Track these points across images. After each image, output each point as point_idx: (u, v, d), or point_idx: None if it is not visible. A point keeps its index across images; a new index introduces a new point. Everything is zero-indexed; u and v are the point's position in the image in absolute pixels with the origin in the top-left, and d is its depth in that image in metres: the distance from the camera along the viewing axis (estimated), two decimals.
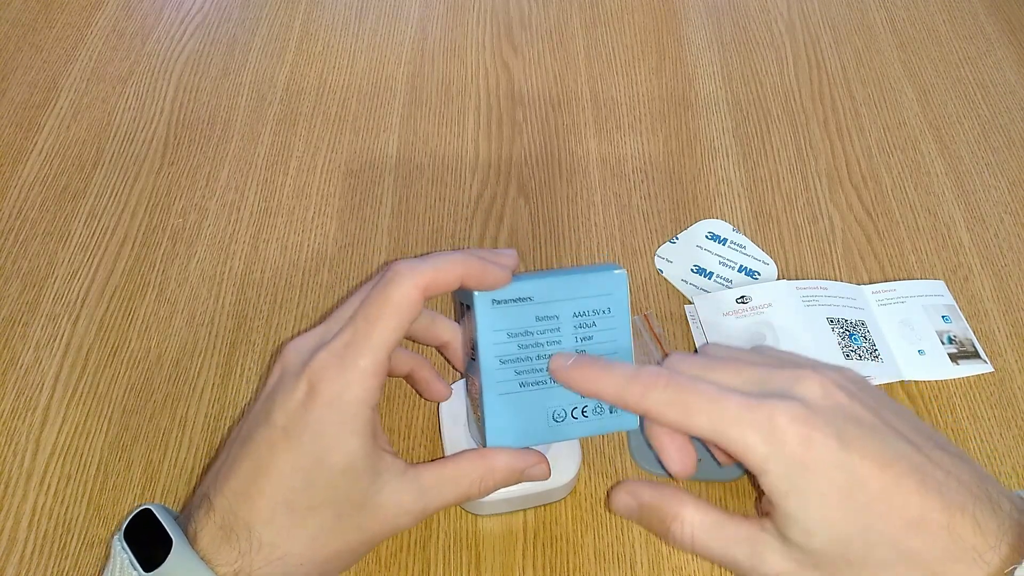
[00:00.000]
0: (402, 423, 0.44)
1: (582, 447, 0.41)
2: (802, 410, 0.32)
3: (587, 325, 0.37)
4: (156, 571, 0.31)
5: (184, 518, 0.33)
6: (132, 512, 0.33)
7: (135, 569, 0.31)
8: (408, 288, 0.33)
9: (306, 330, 0.36)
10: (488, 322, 0.36)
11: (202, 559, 0.31)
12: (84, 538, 0.40)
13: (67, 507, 0.41)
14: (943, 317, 0.48)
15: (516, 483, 0.37)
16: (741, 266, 0.51)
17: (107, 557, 0.33)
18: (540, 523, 0.41)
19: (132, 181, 0.55)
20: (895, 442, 0.33)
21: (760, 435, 0.32)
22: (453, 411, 0.41)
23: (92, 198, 0.54)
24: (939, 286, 0.50)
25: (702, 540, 0.35)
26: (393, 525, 0.35)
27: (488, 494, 0.36)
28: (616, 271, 0.37)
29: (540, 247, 0.51)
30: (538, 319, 0.37)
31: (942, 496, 0.32)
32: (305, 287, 0.50)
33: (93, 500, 0.41)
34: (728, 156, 0.57)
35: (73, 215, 0.53)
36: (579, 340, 0.37)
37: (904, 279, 0.50)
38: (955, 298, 0.49)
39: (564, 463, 0.40)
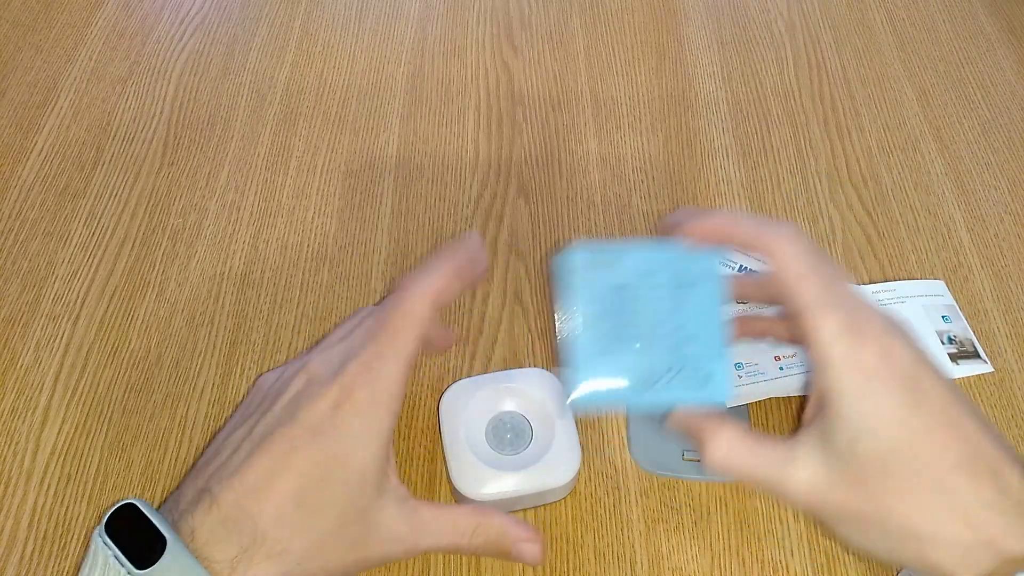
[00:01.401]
0: (402, 423, 0.44)
1: (582, 448, 0.41)
2: (892, 327, 0.34)
3: (677, 293, 0.38)
4: (149, 570, 0.30)
5: (178, 514, 0.33)
6: (113, 507, 0.32)
7: (123, 567, 0.30)
8: (423, 302, 0.36)
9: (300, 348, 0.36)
10: (577, 283, 0.37)
11: (196, 556, 0.31)
12: (84, 538, 0.40)
13: (67, 507, 0.41)
14: (943, 317, 0.48)
15: (502, 554, 0.37)
16: (741, 266, 0.51)
17: (85, 554, 0.32)
18: (540, 523, 0.41)
19: (132, 181, 0.55)
20: (957, 392, 0.34)
21: (845, 329, 0.33)
22: (453, 410, 0.42)
23: (92, 198, 0.54)
24: (939, 286, 0.50)
25: (735, 460, 0.36)
26: (385, 550, 0.35)
27: (475, 550, 0.37)
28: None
29: (540, 247, 0.51)
30: (627, 284, 0.38)
31: (995, 446, 0.33)
32: (305, 287, 0.50)
33: (93, 500, 0.41)
34: (728, 156, 0.57)
35: (73, 215, 0.53)
36: (668, 307, 0.38)
37: (904, 279, 0.50)
38: (955, 298, 0.49)
39: (564, 463, 0.40)
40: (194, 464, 0.37)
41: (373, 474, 0.34)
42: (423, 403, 0.45)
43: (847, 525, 0.35)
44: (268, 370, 0.39)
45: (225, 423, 0.38)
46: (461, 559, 0.40)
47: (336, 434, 0.34)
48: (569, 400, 0.37)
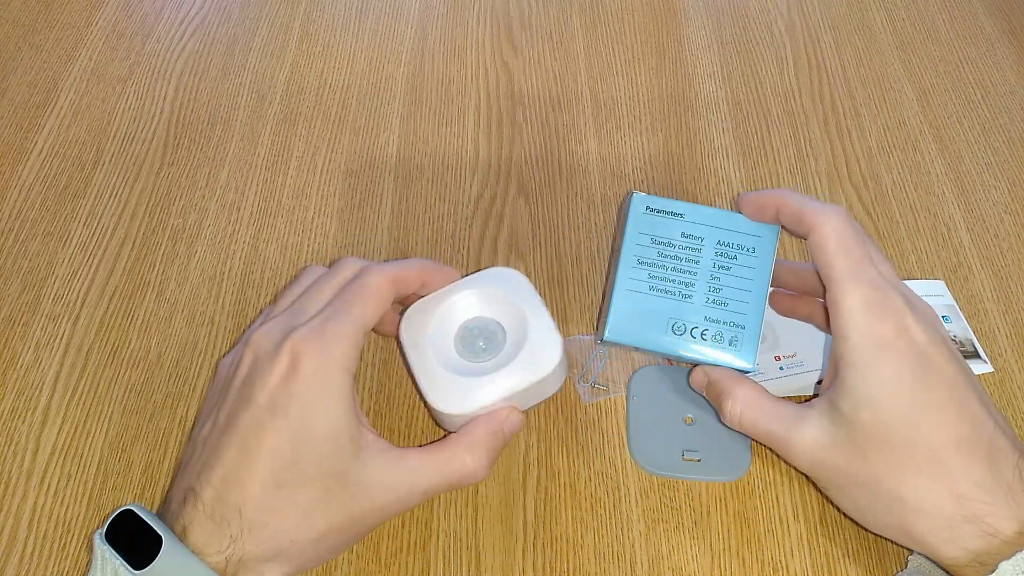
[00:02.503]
0: (402, 423, 0.44)
1: (561, 335, 0.39)
2: (914, 308, 0.35)
3: (728, 256, 0.40)
4: (147, 569, 0.31)
5: (171, 516, 0.33)
6: (112, 513, 0.33)
7: (125, 568, 0.31)
8: (381, 279, 0.37)
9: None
10: (637, 224, 0.40)
11: (193, 552, 0.32)
12: (84, 538, 0.40)
13: (67, 507, 0.41)
14: (943, 317, 0.48)
15: (499, 443, 0.36)
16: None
17: (90, 561, 0.33)
18: (540, 523, 0.41)
19: (132, 181, 0.55)
20: (971, 377, 0.35)
21: (867, 303, 0.35)
22: (416, 333, 0.39)
23: (92, 198, 0.54)
24: (939, 286, 0.50)
25: (748, 416, 0.38)
26: (380, 505, 0.35)
27: (480, 469, 0.36)
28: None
29: (540, 247, 0.51)
30: (683, 235, 0.40)
31: (997, 432, 0.34)
32: None
33: (93, 500, 0.41)
34: (728, 156, 0.57)
35: (73, 215, 0.53)
36: (716, 267, 0.40)
37: (904, 279, 0.50)
38: (955, 298, 0.49)
39: (545, 353, 0.37)
40: (178, 464, 0.37)
41: (344, 436, 0.34)
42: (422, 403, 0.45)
43: (841, 489, 0.36)
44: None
45: (197, 417, 0.38)
46: (461, 559, 0.40)
47: (295, 404, 0.33)
48: (604, 331, 0.39)
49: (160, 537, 0.31)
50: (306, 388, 0.34)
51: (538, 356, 0.38)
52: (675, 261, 0.40)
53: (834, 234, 0.36)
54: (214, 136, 0.57)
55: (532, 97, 0.60)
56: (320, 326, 0.35)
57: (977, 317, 0.49)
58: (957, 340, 0.47)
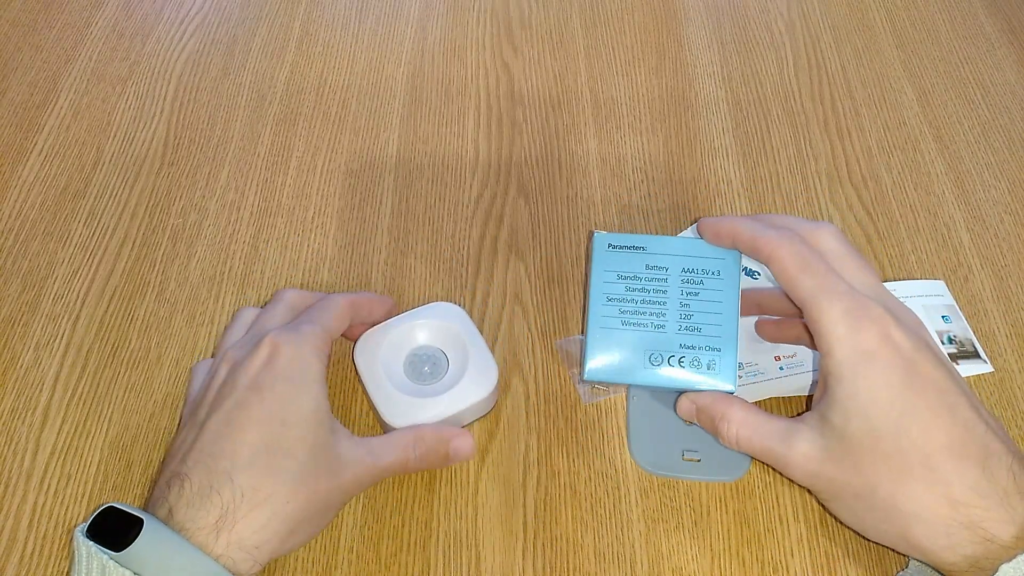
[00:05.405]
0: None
1: (497, 364, 0.43)
2: (895, 314, 0.35)
3: (694, 282, 0.40)
4: (127, 550, 0.30)
5: (154, 504, 0.34)
6: (94, 512, 0.32)
7: (104, 553, 0.31)
8: (343, 300, 0.42)
9: None
10: (601, 262, 0.41)
11: (177, 531, 0.32)
12: None
13: (67, 507, 0.41)
14: (943, 317, 0.48)
15: (442, 458, 0.40)
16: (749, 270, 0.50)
17: (72, 558, 0.33)
18: (540, 523, 0.41)
19: (132, 181, 0.55)
20: (960, 382, 0.35)
21: (846, 314, 0.35)
22: (368, 357, 0.43)
23: (92, 198, 0.54)
24: (939, 286, 0.50)
25: (744, 436, 0.38)
26: (356, 475, 0.37)
27: (420, 461, 0.40)
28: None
29: (540, 247, 0.51)
30: (648, 267, 0.41)
31: (989, 435, 0.34)
32: (305, 287, 0.50)
33: (93, 500, 0.41)
34: (728, 156, 0.57)
35: (73, 215, 0.53)
36: (684, 294, 0.40)
37: (904, 279, 0.50)
38: (955, 298, 0.49)
39: (483, 379, 0.42)
40: (157, 470, 0.37)
41: (323, 413, 0.37)
42: None
43: (839, 500, 0.36)
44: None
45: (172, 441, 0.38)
46: (461, 559, 0.40)
47: (281, 382, 0.36)
48: (584, 371, 0.40)
49: (140, 521, 0.31)
50: (287, 370, 0.36)
51: (478, 380, 0.42)
52: (643, 293, 0.41)
53: (791, 257, 0.36)
54: (214, 136, 0.57)
55: (532, 97, 0.60)
56: (294, 327, 0.39)
57: (977, 317, 0.49)
58: (957, 340, 0.47)
